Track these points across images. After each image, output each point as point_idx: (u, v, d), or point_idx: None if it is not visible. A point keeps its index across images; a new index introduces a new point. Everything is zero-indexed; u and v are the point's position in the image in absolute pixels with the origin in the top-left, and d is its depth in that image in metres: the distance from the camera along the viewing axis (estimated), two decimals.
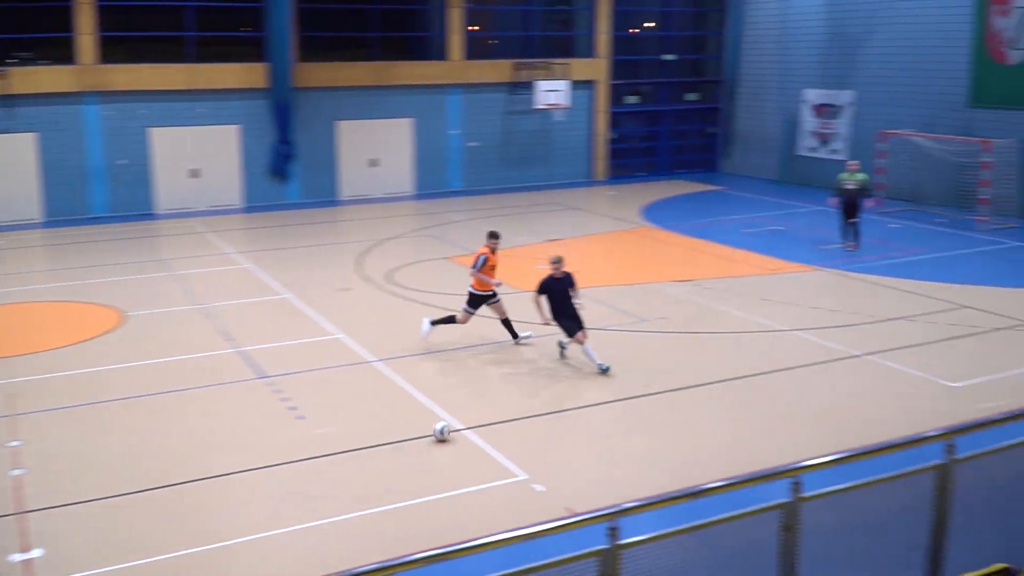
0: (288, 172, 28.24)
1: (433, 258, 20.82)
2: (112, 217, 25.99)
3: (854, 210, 20.51)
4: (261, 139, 27.79)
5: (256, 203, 27.92)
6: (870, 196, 21.88)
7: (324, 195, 28.69)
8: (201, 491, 9.94)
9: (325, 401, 12.39)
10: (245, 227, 25.38)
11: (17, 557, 8.60)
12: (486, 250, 14.16)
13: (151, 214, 26.52)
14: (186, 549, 8.73)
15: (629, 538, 5.10)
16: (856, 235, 20.74)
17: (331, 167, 28.92)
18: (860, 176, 20.60)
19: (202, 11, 27.22)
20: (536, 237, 22.67)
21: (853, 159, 22.47)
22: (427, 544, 8.07)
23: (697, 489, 5.62)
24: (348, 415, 11.91)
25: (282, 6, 26.26)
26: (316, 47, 28.63)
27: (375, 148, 29.46)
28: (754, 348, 14.35)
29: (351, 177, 29.23)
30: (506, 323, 14.50)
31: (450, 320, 14.55)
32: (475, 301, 14.36)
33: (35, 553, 8.64)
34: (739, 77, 33.11)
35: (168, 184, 27.00)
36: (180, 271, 19.66)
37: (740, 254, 20.71)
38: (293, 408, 12.10)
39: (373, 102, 29.14)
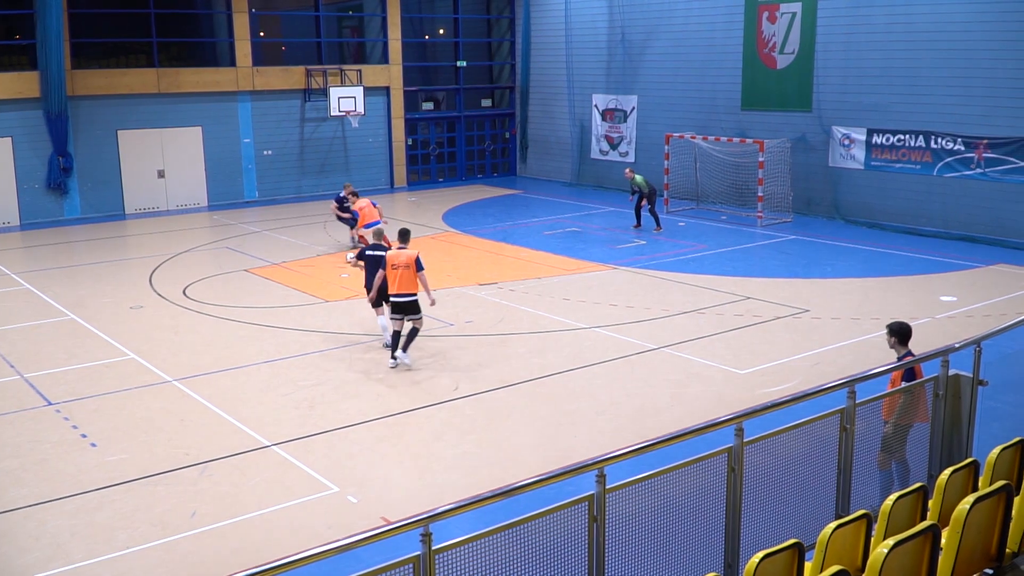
0: (67, 186, 26.60)
1: (230, 271, 20.17)
2: None
3: (648, 201, 23.68)
4: (36, 152, 26.04)
5: (34, 219, 26.14)
6: (654, 194, 23.76)
7: (108, 209, 27.21)
8: None
9: (119, 426, 11.75)
10: (23, 245, 23.71)
11: None
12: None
13: None
14: None
15: (443, 542, 5.12)
16: (657, 220, 23.81)
17: (115, 179, 27.45)
18: (639, 179, 23.72)
19: None
20: (338, 247, 22.37)
21: (637, 161, 24.37)
22: (240, 566, 7.83)
23: (508, 488, 5.71)
24: (145, 438, 11.35)
25: (53, 12, 24.70)
26: (93, 54, 27.14)
27: (162, 158, 28.20)
28: (557, 346, 14.74)
29: (137, 189, 27.85)
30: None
31: (411, 335, 13.67)
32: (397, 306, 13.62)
33: None
34: (531, 83, 33.90)
35: None
36: None
37: (540, 256, 21.22)
38: (84, 436, 11.42)
39: (158, 110, 27.90)
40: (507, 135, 35.54)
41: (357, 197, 21.17)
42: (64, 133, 25.99)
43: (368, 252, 14.60)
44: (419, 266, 13.38)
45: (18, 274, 20.11)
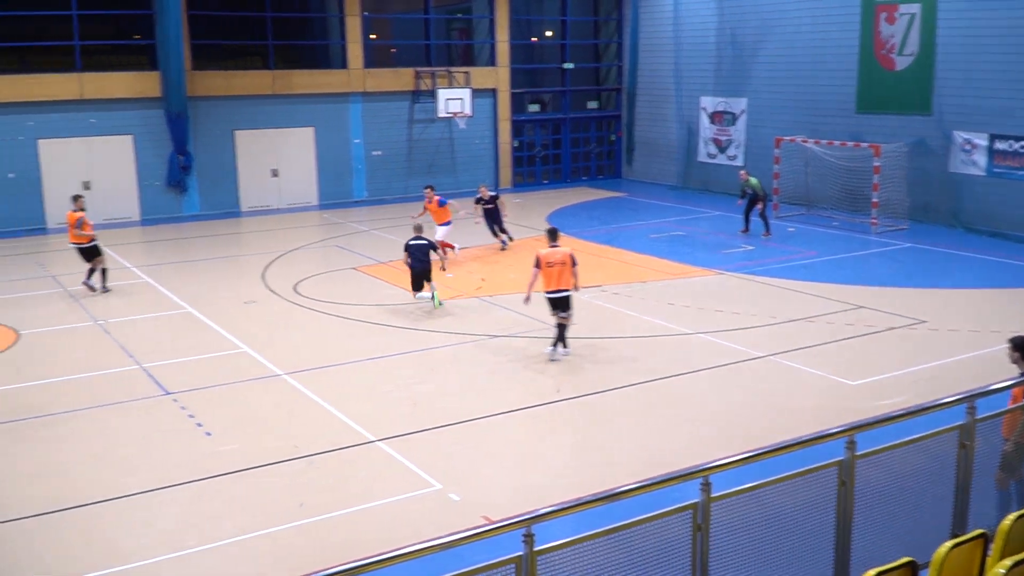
0: (186, 183, 27.60)
1: (339, 268, 20.60)
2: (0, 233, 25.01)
3: (757, 205, 23.22)
4: (157, 150, 27.10)
5: (154, 215, 27.21)
6: (767, 198, 23.40)
7: (224, 207, 28.12)
8: (101, 513, 9.62)
9: (232, 416, 12.12)
10: (143, 240, 24.69)
11: None
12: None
13: (42, 228, 25.60)
14: (90, 572, 8.43)
15: (545, 544, 5.11)
16: (767, 225, 23.32)
17: (231, 178, 28.37)
18: (754, 181, 23.10)
19: (90, 19, 26.43)
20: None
21: (746, 165, 23.87)
22: (342, 559, 7.97)
23: (611, 492, 5.67)
24: (256, 430, 11.68)
25: (173, 13, 25.64)
26: (211, 56, 28.09)
27: (276, 158, 29.01)
28: (661, 351, 14.59)
29: (252, 188, 28.72)
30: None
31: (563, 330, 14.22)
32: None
33: None
34: (638, 85, 33.66)
35: (59, 197, 26.03)
36: (74, 287, 18.99)
37: (645, 259, 21.04)
38: (199, 425, 11.81)
39: (272, 111, 28.72)
40: (613, 137, 35.38)
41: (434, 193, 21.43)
42: (184, 132, 26.96)
43: (411, 242, 16.74)
44: (574, 262, 13.97)
45: (138, 268, 20.95)
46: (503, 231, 22.37)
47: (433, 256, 17.03)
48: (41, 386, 13.33)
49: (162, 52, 26.25)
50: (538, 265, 14.00)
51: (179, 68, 26.18)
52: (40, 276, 20.06)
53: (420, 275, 16.76)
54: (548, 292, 13.99)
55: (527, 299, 14.20)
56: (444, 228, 20.72)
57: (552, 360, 14.02)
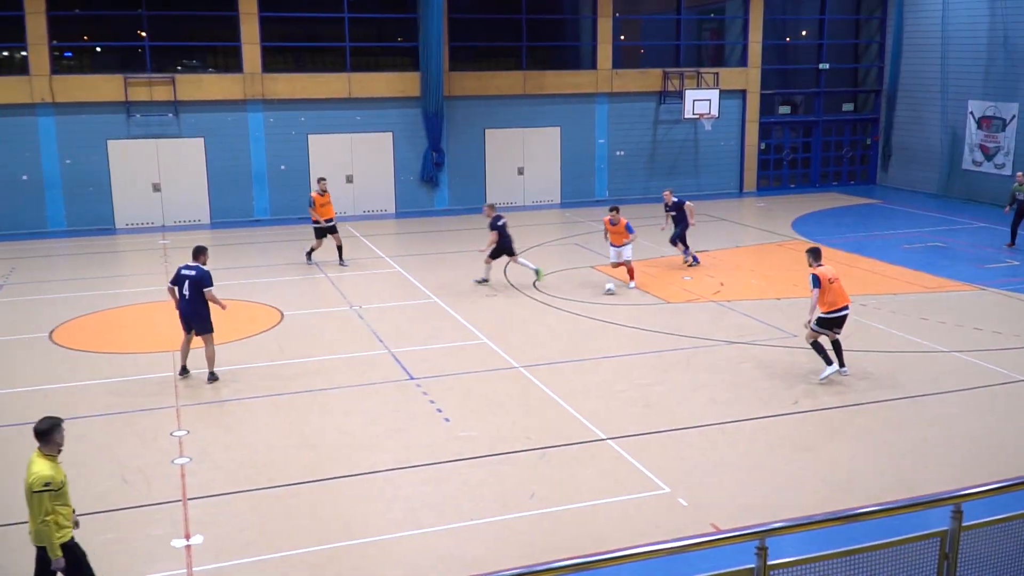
0: (438, 179, 28.90)
1: (578, 266, 20.88)
2: (272, 220, 27.17)
3: None
4: (413, 146, 28.55)
5: (407, 208, 28.68)
6: None
7: (471, 202, 29.17)
8: (347, 487, 10.28)
9: (470, 404, 12.60)
10: (396, 232, 26.09)
11: (179, 543, 9.09)
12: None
13: (307, 218, 27.54)
14: (331, 543, 9.04)
15: (778, 559, 5.01)
16: None
17: (479, 175, 29.42)
18: None
19: (359, 22, 28.19)
20: (675, 251, 22.37)
21: (1011, 175, 22.00)
22: (568, 552, 8.12)
23: (849, 513, 5.49)
24: (492, 419, 12.08)
25: (435, 17, 26.88)
26: (466, 56, 29.22)
27: (522, 156, 29.80)
28: (911, 369, 13.79)
29: (498, 185, 29.65)
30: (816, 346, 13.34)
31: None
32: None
33: (196, 539, 9.11)
34: (899, 87, 31.89)
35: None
36: (333, 273, 20.38)
37: (897, 270, 19.95)
38: (439, 410, 12.37)
39: (522, 110, 29.50)
40: (868, 141, 33.72)
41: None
42: (439, 130, 28.24)
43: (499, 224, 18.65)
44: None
45: (391, 257, 22.16)
46: (682, 241, 20.50)
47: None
48: (299, 364, 14.40)
49: (423, 54, 27.59)
50: (819, 284, 12.89)
51: (438, 69, 27.42)
52: (304, 262, 21.61)
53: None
54: (832, 312, 12.95)
55: (810, 323, 13.09)
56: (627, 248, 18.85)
57: (842, 375, 13.22)
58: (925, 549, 5.36)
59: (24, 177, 25.67)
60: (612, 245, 18.98)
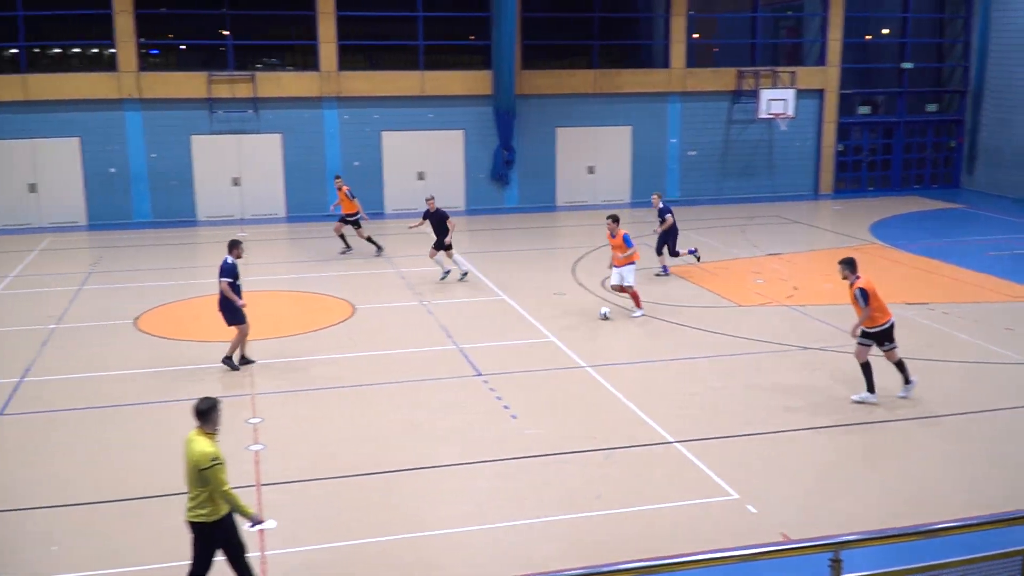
0: (508, 177, 28.93)
1: (645, 267, 20.69)
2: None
3: None
4: (484, 144, 28.62)
5: (477, 206, 28.77)
6: None
7: (541, 200, 29.15)
8: (414, 480, 10.33)
9: (537, 402, 12.57)
10: (466, 229, 26.16)
11: (252, 527, 9.22)
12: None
13: (380, 213, 27.81)
14: (398, 534, 9.09)
15: (852, 572, 4.88)
16: None
17: (549, 173, 29.37)
18: None
19: (432, 21, 28.36)
20: (755, 251, 22.11)
21: None
22: (633, 555, 8.04)
23: (927, 528, 5.32)
24: (559, 418, 12.04)
25: (508, 15, 26.89)
26: (538, 55, 29.19)
27: (593, 155, 29.68)
28: (995, 381, 13.37)
29: (568, 183, 29.58)
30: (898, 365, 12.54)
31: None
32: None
33: (269, 524, 9.25)
34: (986, 87, 31.00)
35: (395, 186, 28.32)
36: (404, 268, 20.54)
37: (981, 278, 19.37)
38: (506, 407, 12.36)
39: (593, 109, 29.38)
40: (952, 143, 32.83)
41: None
42: (510, 129, 28.27)
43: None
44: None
45: (461, 254, 22.21)
46: (665, 251, 19.52)
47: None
48: (369, 356, 14.53)
49: (496, 52, 27.64)
50: (867, 299, 11.96)
51: (510, 68, 27.45)
52: (375, 256, 21.80)
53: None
54: (881, 326, 12.15)
55: (856, 331, 12.33)
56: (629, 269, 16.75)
57: (904, 397, 12.52)
58: (1005, 567, 5.18)
59: (112, 170, 26.46)
60: (613, 266, 16.67)
